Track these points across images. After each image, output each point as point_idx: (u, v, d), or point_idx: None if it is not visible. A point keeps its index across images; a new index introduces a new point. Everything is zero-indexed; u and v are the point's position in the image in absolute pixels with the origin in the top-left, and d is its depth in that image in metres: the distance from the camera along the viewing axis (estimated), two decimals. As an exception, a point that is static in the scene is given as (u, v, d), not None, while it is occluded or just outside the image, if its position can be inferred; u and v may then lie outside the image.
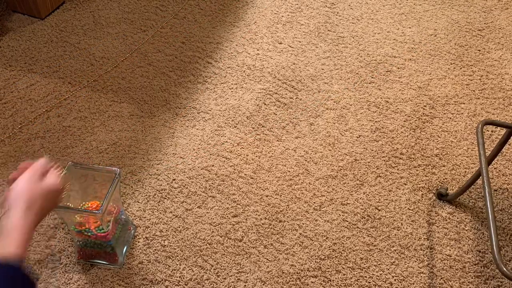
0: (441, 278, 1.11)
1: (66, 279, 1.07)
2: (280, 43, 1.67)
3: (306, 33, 1.72)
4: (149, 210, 1.20)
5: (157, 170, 1.28)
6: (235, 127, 1.40)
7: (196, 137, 1.37)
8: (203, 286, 1.08)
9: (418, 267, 1.12)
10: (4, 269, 0.62)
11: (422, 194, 1.26)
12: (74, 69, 1.54)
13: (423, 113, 1.45)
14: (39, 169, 0.76)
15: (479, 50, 1.67)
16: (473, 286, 1.10)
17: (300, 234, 1.17)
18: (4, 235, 0.66)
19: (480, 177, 1.03)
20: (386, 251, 1.14)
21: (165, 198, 1.23)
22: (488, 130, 1.42)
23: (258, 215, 1.20)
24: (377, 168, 1.31)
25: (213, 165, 1.30)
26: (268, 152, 1.34)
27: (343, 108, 1.46)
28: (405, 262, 1.13)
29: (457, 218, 1.21)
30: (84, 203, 1.02)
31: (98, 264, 1.09)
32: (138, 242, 1.14)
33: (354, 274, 1.10)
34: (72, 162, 1.00)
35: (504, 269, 0.79)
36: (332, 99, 1.49)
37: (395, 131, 1.40)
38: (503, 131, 1.04)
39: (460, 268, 1.12)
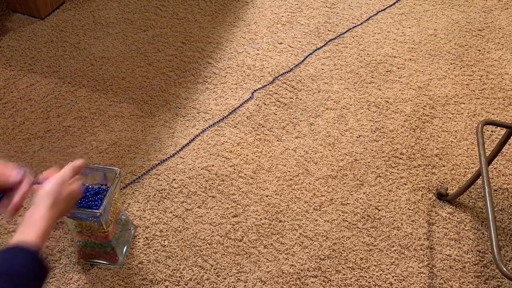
0: (441, 278, 1.11)
1: (66, 279, 1.07)
2: (280, 43, 1.67)
3: (306, 33, 1.72)
4: (149, 210, 1.20)
5: (157, 170, 1.28)
6: (235, 127, 1.40)
7: (196, 137, 1.37)
8: (203, 286, 1.08)
9: (418, 267, 1.12)
10: (24, 251, 0.70)
11: (422, 194, 1.26)
12: (74, 69, 1.54)
13: (423, 113, 1.46)
14: (68, 174, 0.84)
15: (479, 50, 1.67)
16: (473, 286, 1.10)
17: (300, 234, 1.17)
18: (28, 224, 0.74)
19: (480, 177, 1.03)
20: (386, 251, 1.14)
21: (165, 198, 1.23)
22: (488, 130, 1.42)
23: (258, 215, 1.20)
24: (377, 168, 1.31)
25: (213, 165, 1.30)
26: (268, 152, 1.34)
27: (343, 108, 1.46)
28: (405, 262, 1.13)
29: (457, 218, 1.21)
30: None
31: (98, 264, 1.09)
32: (138, 242, 1.14)
33: (354, 274, 1.10)
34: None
35: (504, 269, 0.79)
36: (332, 99, 1.49)
37: (395, 131, 1.40)
38: (503, 131, 1.04)
39: (460, 268, 1.12)
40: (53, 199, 0.78)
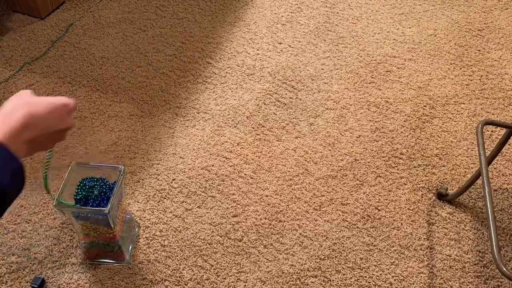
0: (441, 278, 1.11)
1: (67, 279, 1.07)
2: (280, 43, 1.67)
3: (306, 33, 1.72)
4: (149, 210, 1.20)
5: (157, 170, 1.29)
6: (235, 127, 1.40)
7: (196, 137, 1.37)
8: (203, 286, 1.08)
9: (418, 267, 1.12)
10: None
11: (422, 194, 1.26)
12: (74, 69, 1.54)
13: (423, 113, 1.46)
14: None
15: (479, 50, 1.67)
16: (473, 286, 1.10)
17: (300, 234, 1.17)
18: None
19: (480, 177, 1.03)
20: (386, 251, 1.14)
21: (165, 198, 1.23)
22: (488, 130, 1.42)
23: (258, 215, 1.20)
24: (377, 168, 1.31)
25: (213, 165, 1.30)
26: (268, 152, 1.34)
27: (343, 108, 1.46)
28: (405, 262, 1.13)
29: (457, 218, 1.21)
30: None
31: (105, 263, 1.09)
32: (138, 242, 1.14)
33: (354, 274, 1.10)
34: (75, 162, 1.00)
35: (504, 269, 0.80)
36: (332, 99, 1.49)
37: (395, 131, 1.40)
38: (503, 131, 1.04)
39: (460, 268, 1.12)
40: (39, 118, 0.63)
